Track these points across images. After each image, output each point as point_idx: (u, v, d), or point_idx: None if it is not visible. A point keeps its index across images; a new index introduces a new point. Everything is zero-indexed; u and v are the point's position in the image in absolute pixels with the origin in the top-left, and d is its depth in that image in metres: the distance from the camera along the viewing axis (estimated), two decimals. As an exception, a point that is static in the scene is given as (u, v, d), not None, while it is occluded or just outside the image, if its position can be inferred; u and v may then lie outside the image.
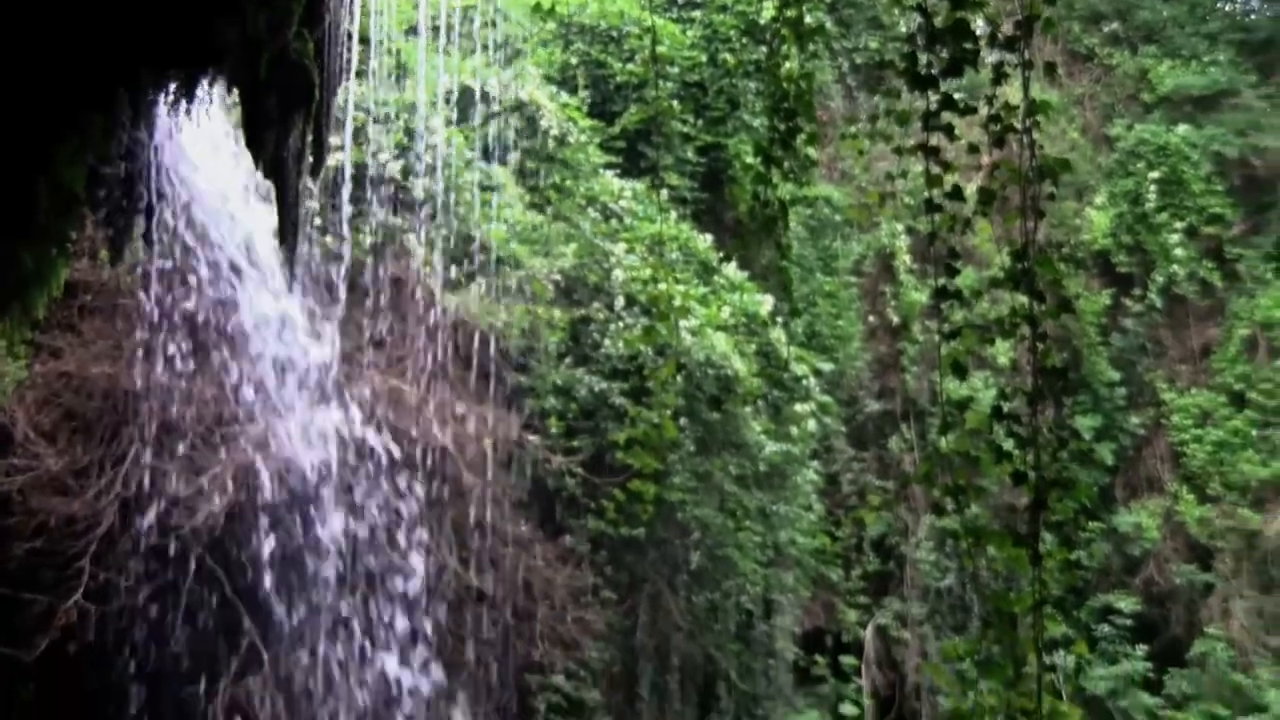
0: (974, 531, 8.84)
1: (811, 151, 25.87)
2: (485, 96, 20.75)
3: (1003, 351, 25.08)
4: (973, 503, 8.97)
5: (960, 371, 9.40)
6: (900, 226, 27.76)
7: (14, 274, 8.83)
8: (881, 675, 25.03)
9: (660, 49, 24.10)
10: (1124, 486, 28.14)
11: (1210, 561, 26.90)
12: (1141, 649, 25.58)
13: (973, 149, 9.22)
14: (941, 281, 9.22)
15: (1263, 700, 23.95)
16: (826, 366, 24.56)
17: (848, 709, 24.11)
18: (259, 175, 10.95)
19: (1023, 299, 8.55)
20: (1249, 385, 27.81)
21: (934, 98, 9.01)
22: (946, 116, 9.08)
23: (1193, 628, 26.33)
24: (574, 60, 24.62)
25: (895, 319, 27.43)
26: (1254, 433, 27.30)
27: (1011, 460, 8.61)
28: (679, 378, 19.31)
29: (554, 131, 21.26)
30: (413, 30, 20.23)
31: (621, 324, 19.63)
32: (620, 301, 19.85)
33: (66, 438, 15.40)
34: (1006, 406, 8.73)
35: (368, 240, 18.15)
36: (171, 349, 15.65)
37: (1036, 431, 8.63)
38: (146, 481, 15.43)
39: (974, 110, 8.91)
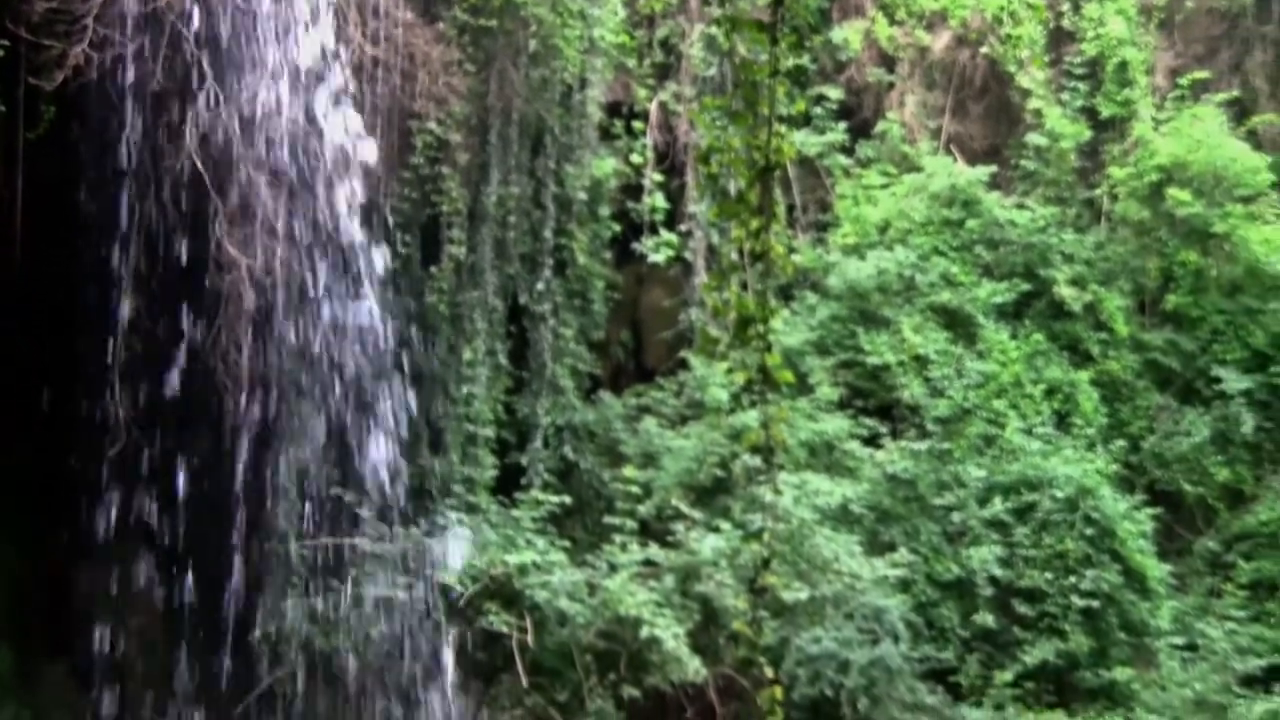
0: (730, 20, 9.17)
1: None
2: None
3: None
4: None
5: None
6: None
7: None
8: (661, 136, 25.37)
9: None
10: (838, 11, 28.12)
11: (893, 67, 27.39)
12: (842, 125, 26.14)
13: None
14: None
15: (921, 166, 24.87)
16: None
17: (635, 158, 24.59)
18: None
19: None
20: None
21: None
22: None
23: (878, 112, 26.83)
24: None
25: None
26: (932, -22, 27.56)
27: (761, -35, 8.88)
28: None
29: None
30: None
31: None
32: None
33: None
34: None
35: None
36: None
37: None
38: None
39: None
